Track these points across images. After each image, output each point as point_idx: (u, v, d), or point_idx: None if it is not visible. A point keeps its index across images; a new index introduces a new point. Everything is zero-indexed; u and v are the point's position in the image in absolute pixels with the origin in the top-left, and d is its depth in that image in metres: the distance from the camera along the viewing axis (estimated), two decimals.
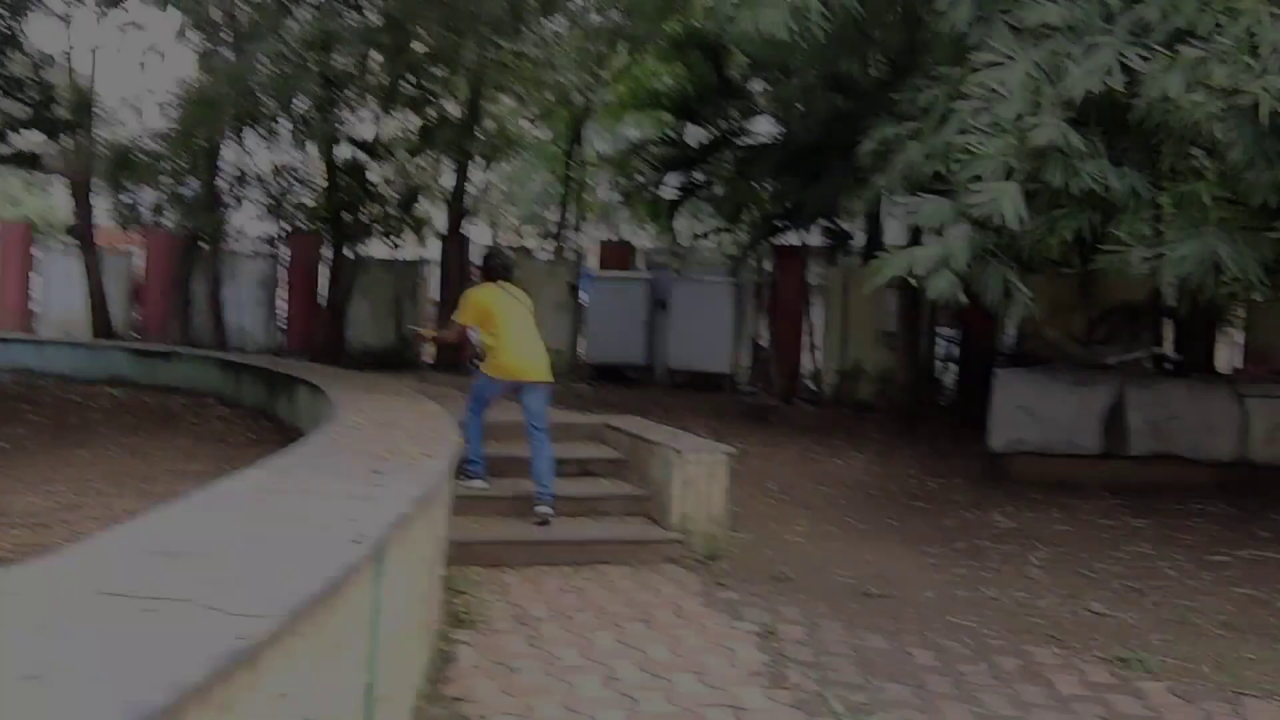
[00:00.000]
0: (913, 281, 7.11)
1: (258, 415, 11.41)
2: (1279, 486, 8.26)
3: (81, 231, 17.96)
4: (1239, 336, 14.80)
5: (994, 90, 6.85)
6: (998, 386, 9.43)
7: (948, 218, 7.02)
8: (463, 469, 6.84)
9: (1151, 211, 6.48)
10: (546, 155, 21.51)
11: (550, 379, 7.06)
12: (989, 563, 6.98)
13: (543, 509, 6.64)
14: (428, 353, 17.51)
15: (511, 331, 6.86)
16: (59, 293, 19.43)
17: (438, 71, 16.23)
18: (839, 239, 15.63)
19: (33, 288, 20.15)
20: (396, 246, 17.85)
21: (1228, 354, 14.69)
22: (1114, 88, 6.23)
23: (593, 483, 7.43)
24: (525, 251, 20.88)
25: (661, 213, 16.67)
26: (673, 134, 15.98)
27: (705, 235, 17.00)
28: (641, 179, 16.33)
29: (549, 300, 16.91)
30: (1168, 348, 13.71)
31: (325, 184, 18.01)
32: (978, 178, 6.67)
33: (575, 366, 16.63)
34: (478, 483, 6.98)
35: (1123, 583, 6.55)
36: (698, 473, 6.76)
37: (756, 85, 15.57)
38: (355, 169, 17.77)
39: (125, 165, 19.18)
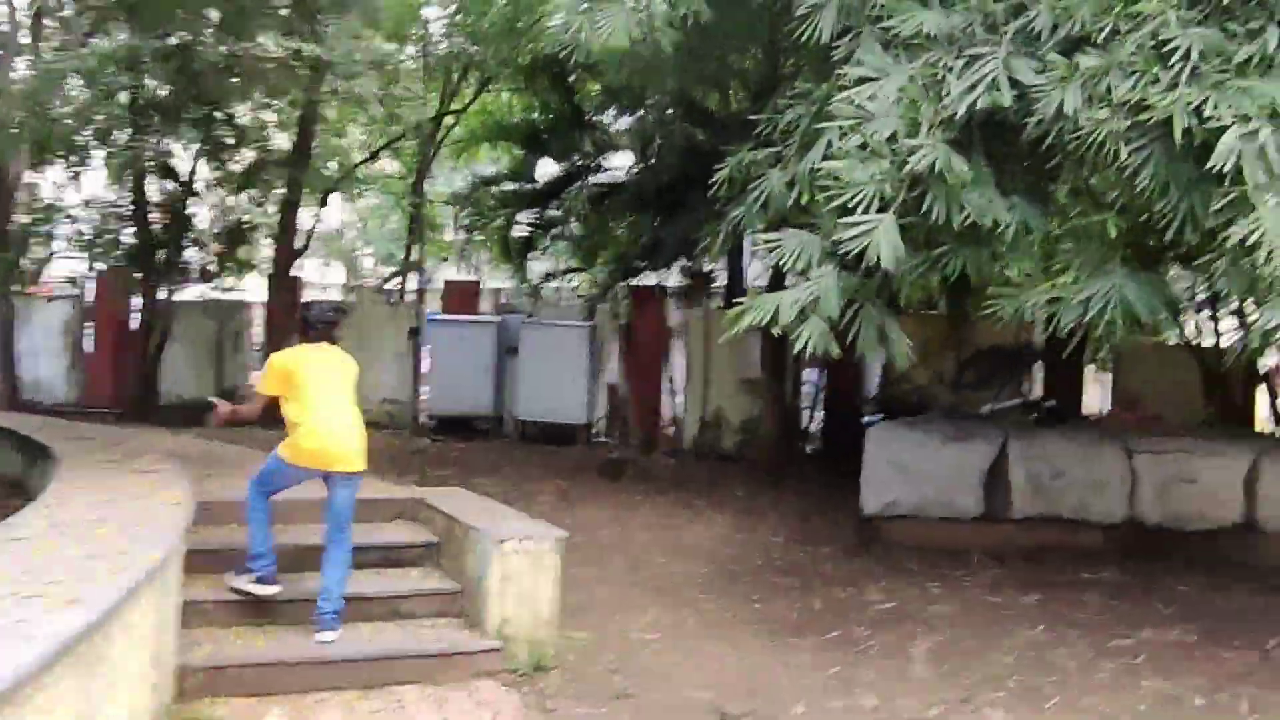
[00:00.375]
0: (776, 332, 6.12)
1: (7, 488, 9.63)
2: (1173, 550, 7.52)
3: None
4: (1105, 379, 14.47)
5: (865, 109, 5.93)
6: (870, 443, 8.51)
7: (814, 256, 6.05)
8: (244, 567, 5.44)
9: (1045, 248, 5.63)
10: (396, 191, 20.12)
11: (361, 468, 5.60)
12: (867, 658, 5.95)
13: (324, 635, 5.27)
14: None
15: (319, 406, 5.43)
16: None
17: (259, 97, 14.77)
18: (699, 280, 14.74)
19: None
20: (220, 289, 16.13)
21: (1096, 397, 14.28)
22: (1001, 104, 5.36)
23: (398, 576, 6.09)
24: (377, 292, 19.34)
25: (512, 252, 15.46)
26: (519, 169, 14.89)
27: (559, 276, 15.85)
28: (489, 217, 15.13)
29: (389, 347, 15.54)
30: (1037, 392, 13.25)
31: (134, 219, 16.23)
32: (847, 209, 5.71)
33: (416, 419, 15.20)
34: (262, 588, 5.44)
35: (1019, 679, 5.60)
36: (521, 565, 5.53)
37: (612, 117, 14.64)
38: (170, 204, 16.04)
39: None
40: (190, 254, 16.00)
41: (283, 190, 15.83)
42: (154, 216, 16.11)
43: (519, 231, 15.17)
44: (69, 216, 17.56)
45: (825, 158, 6.04)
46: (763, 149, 7.02)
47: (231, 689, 4.83)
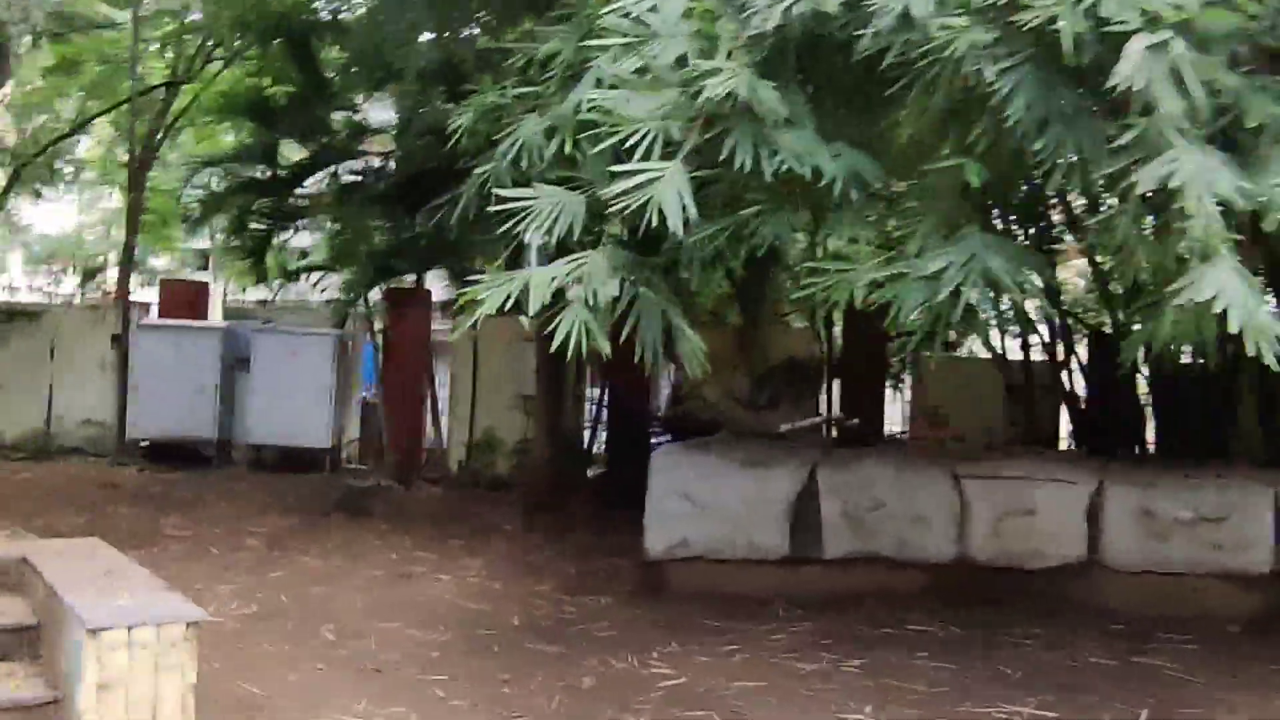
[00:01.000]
0: (524, 322, 4.51)
1: None
2: (1010, 595, 6.32)
3: None
4: (905, 394, 13.64)
5: (645, 24, 4.41)
6: (655, 470, 6.99)
7: (577, 220, 4.46)
8: None
9: (879, 207, 4.23)
10: (110, 174, 17.29)
11: None
12: None
13: None
14: None
15: None
16: None
17: None
18: (463, 282, 12.91)
19: None
20: None
21: (895, 414, 13.40)
22: (825, 12, 3.93)
23: None
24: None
25: (247, 248, 13.16)
26: (253, 149, 12.69)
27: (300, 276, 13.67)
28: (219, 206, 12.82)
29: (92, 358, 12.95)
30: (836, 410, 12.19)
31: None
32: (621, 155, 4.16)
33: (122, 444, 12.66)
34: None
35: None
36: (131, 665, 3.62)
37: (364, 94, 12.71)
38: None
39: None
40: None
41: None
42: None
43: (255, 224, 12.91)
44: None
45: (594, 90, 4.48)
46: (517, 89, 5.39)
47: None
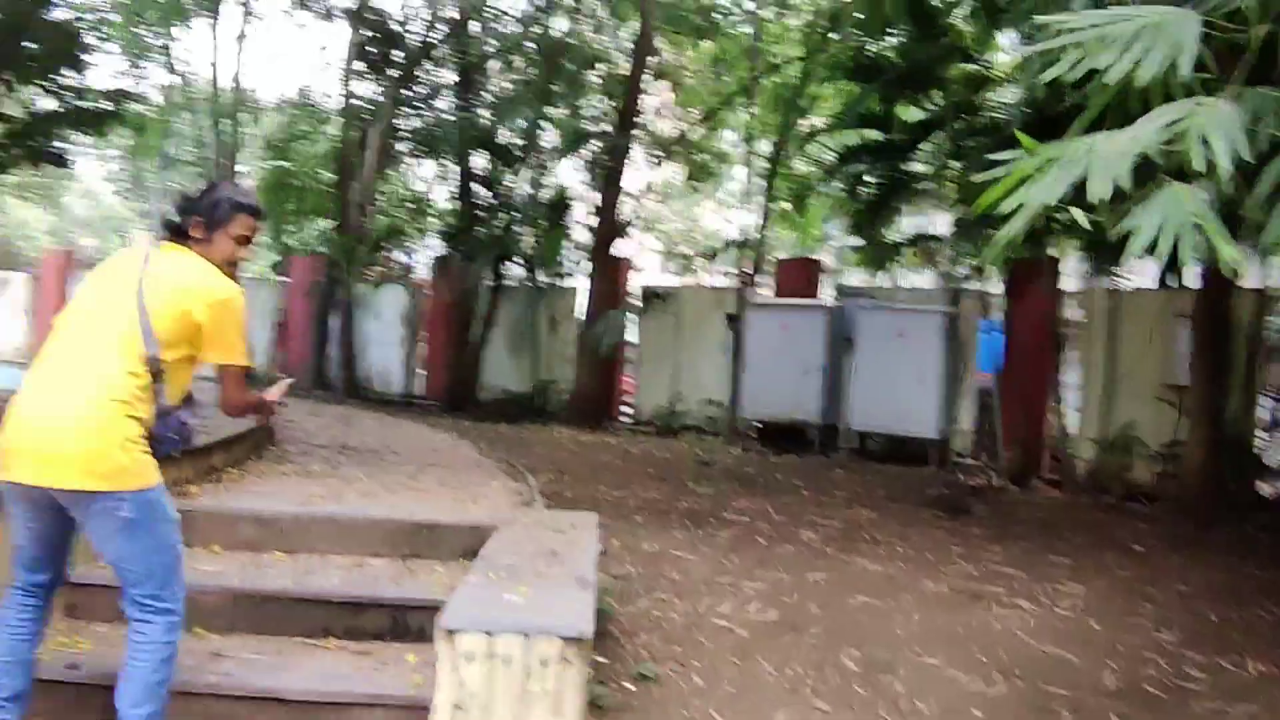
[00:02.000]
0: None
1: None
2: None
3: None
4: None
5: None
6: None
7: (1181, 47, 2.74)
8: None
9: None
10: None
11: (91, 484, 2.85)
12: None
13: None
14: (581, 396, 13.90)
15: (47, 353, 3.04)
16: None
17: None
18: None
19: None
20: (535, 270, 14.65)
21: None
22: None
23: (372, 665, 3.58)
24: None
25: (861, 219, 12.33)
26: (870, 113, 11.78)
27: (912, 245, 12.45)
28: (827, 177, 12.21)
29: (712, 339, 13.15)
30: None
31: (458, 198, 15.31)
32: None
33: (734, 425, 12.64)
34: None
35: None
36: (489, 683, 2.77)
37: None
38: (492, 181, 14.93)
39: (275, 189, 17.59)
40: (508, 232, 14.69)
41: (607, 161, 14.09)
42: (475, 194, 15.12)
43: (867, 194, 12.04)
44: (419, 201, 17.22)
45: None
46: None
47: None
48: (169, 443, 3.07)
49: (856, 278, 14.53)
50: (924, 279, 13.96)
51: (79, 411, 2.84)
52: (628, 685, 4.15)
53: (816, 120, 15.84)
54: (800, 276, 13.23)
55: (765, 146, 16.75)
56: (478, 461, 7.20)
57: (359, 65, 14.98)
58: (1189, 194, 2.72)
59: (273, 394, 3.51)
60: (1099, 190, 2.68)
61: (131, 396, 2.92)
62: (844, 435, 11.75)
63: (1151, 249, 2.80)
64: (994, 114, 11.04)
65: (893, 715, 4.07)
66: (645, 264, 17.34)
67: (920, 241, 12.15)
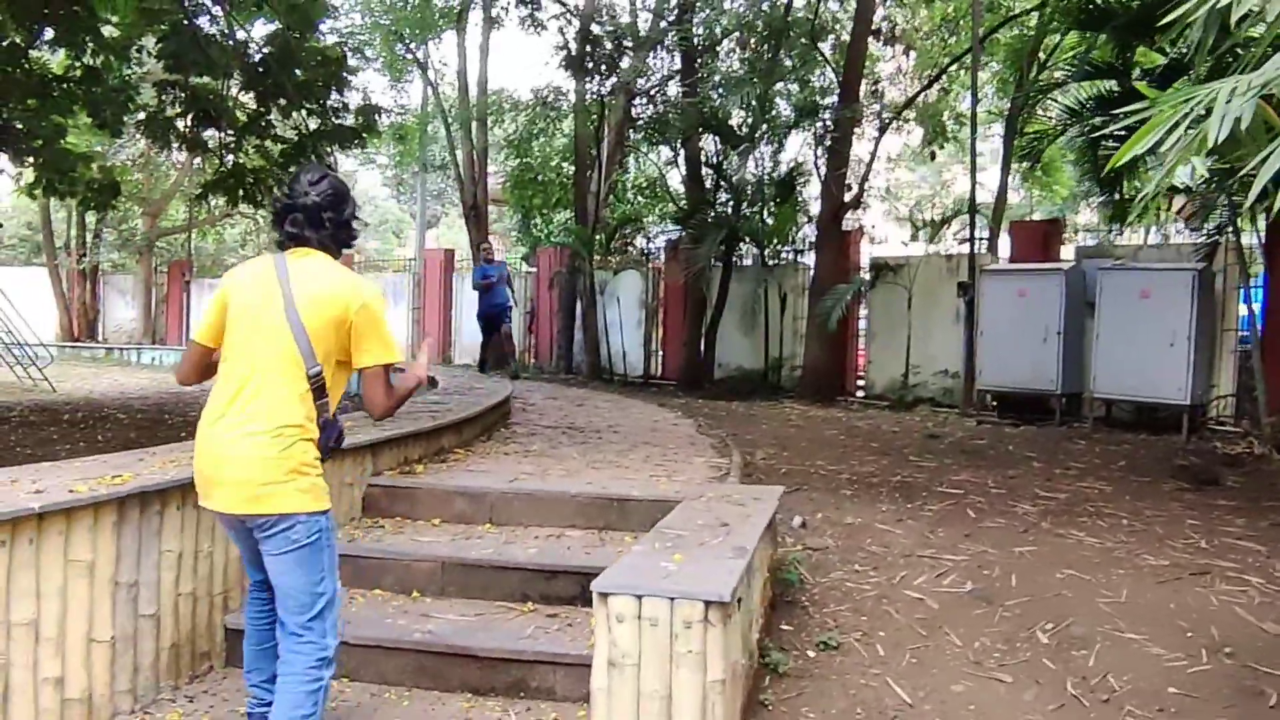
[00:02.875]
0: None
1: None
2: None
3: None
4: None
5: None
6: None
7: None
8: None
9: None
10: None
11: (266, 508, 2.93)
12: None
13: None
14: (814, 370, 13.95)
15: (216, 386, 3.07)
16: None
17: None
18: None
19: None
20: (765, 248, 14.75)
21: None
22: None
23: (558, 624, 3.92)
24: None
25: (1103, 175, 11.61)
26: (1103, 60, 11.09)
27: (1168, 207, 11.61)
28: (1055, 131, 11.59)
29: (946, 308, 12.87)
30: None
31: (687, 181, 15.63)
32: None
33: (970, 396, 12.29)
34: None
35: None
36: (639, 644, 3.01)
37: None
38: (719, 160, 15.16)
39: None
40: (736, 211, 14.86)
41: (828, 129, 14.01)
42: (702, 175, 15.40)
43: (1107, 146, 11.34)
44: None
45: None
46: None
47: None
48: (325, 451, 3.05)
49: (1100, 237, 13.70)
50: (1173, 235, 12.96)
51: (257, 441, 2.89)
52: (809, 653, 4.29)
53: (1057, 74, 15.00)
54: (1037, 239, 12.66)
55: (1002, 105, 16.06)
56: (691, 439, 7.48)
57: (590, 62, 15.58)
58: None
59: (420, 367, 3.32)
60: (1215, 133, 2.58)
61: (304, 419, 2.96)
62: (1088, 404, 11.19)
63: None
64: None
65: (1080, 690, 4.00)
66: (881, 234, 17.02)
67: (1170, 195, 11.31)
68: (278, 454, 2.89)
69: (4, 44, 11.05)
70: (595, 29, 15.62)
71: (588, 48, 15.18)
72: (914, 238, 13.69)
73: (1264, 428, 9.75)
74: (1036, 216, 16.74)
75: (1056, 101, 11.81)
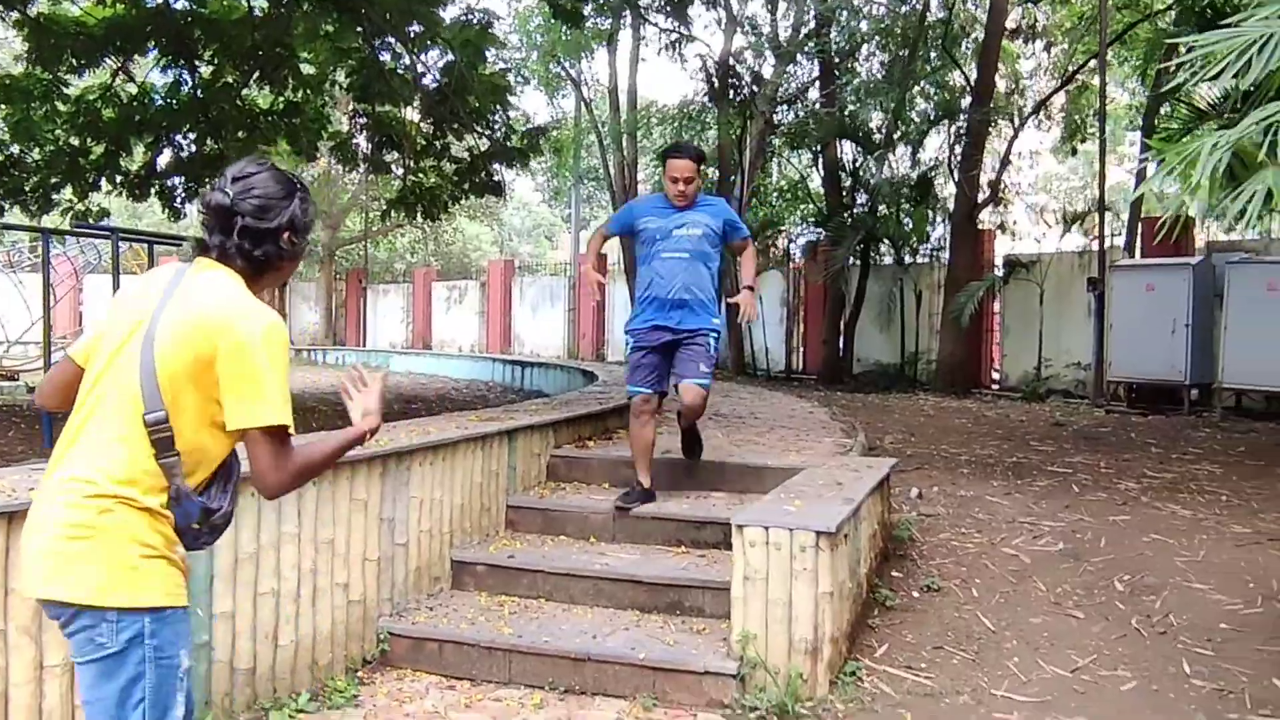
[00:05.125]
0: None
1: None
2: None
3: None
4: None
5: None
6: None
7: None
8: None
9: None
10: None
11: (61, 594, 2.11)
12: None
13: None
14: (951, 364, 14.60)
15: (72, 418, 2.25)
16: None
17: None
18: None
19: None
20: (901, 247, 15.45)
21: None
22: None
23: (707, 563, 4.95)
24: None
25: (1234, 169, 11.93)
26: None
27: None
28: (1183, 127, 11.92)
29: (1079, 303, 13.35)
30: None
31: (827, 184, 16.41)
32: None
33: (1101, 387, 12.74)
34: None
35: None
36: (766, 563, 4.01)
37: None
38: (856, 164, 15.91)
39: None
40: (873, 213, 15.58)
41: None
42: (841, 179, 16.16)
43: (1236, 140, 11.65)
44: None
45: None
46: None
47: None
48: (191, 535, 2.21)
49: (1235, 234, 13.88)
50: None
51: (68, 499, 2.09)
52: (914, 594, 5.19)
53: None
54: (1167, 235, 12.97)
55: (1140, 99, 16.26)
56: (824, 424, 8.38)
57: (731, 91, 16.54)
58: None
59: (368, 418, 2.48)
60: (1199, 178, 3.40)
61: (135, 478, 2.11)
62: (1217, 394, 11.54)
63: None
64: None
65: (1142, 625, 4.78)
66: (1020, 230, 17.41)
67: None
68: (88, 519, 2.08)
69: (220, 84, 12.78)
70: (733, 61, 16.55)
71: (729, 79, 16.13)
72: (1065, 232, 14.15)
73: None
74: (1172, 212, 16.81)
75: (1182, 100, 12.11)
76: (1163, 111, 15.30)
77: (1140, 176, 14.98)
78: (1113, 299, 12.25)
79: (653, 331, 5.48)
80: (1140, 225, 14.24)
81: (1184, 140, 11.39)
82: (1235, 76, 3.86)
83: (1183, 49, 4.30)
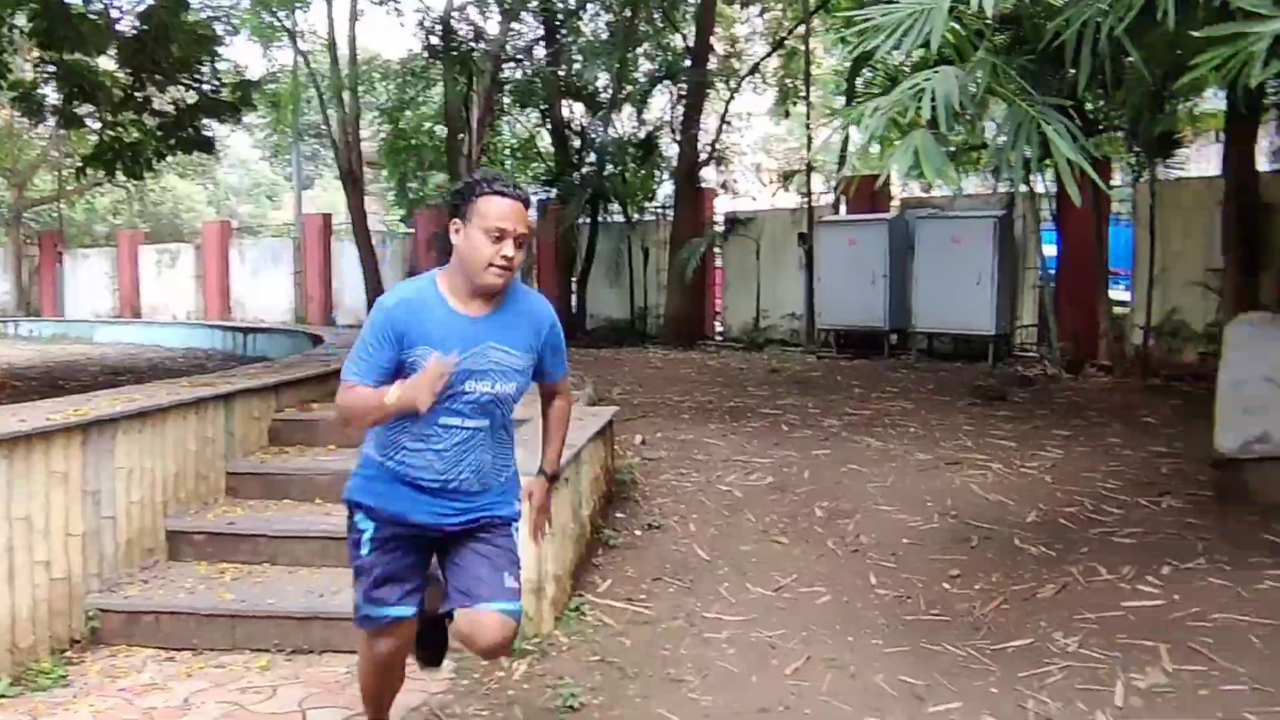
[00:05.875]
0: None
1: None
2: None
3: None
4: None
5: None
6: (1233, 347, 5.57)
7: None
8: None
9: None
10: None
11: None
12: None
13: None
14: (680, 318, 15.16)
15: None
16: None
17: None
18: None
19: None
20: (628, 206, 15.88)
21: None
22: None
23: None
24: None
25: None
26: None
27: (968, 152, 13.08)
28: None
29: (792, 259, 14.22)
30: None
31: (553, 143, 16.60)
32: None
33: (811, 335, 13.71)
34: None
35: None
36: None
37: None
38: (583, 124, 16.17)
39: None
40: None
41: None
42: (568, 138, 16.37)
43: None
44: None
45: None
46: None
47: None
48: None
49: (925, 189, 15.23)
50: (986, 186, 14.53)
51: None
52: (636, 532, 5.47)
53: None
54: (865, 192, 14.07)
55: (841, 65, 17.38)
56: None
57: (459, 28, 16.30)
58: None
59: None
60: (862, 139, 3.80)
61: None
62: (913, 338, 12.69)
63: None
64: None
65: (838, 546, 5.27)
66: (742, 189, 18.26)
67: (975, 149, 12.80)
68: None
69: None
70: (455, 17, 16.31)
71: (451, 36, 15.90)
72: (778, 190, 14.96)
73: (1056, 352, 11.36)
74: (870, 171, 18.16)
75: (879, 67, 13.11)
76: (865, 75, 16.52)
77: (845, 141, 16.10)
78: (820, 253, 13.18)
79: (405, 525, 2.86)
80: (844, 184, 15.33)
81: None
82: (894, 49, 4.26)
83: (858, 20, 4.70)
